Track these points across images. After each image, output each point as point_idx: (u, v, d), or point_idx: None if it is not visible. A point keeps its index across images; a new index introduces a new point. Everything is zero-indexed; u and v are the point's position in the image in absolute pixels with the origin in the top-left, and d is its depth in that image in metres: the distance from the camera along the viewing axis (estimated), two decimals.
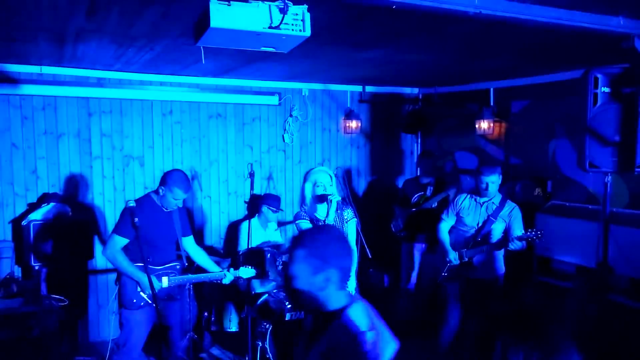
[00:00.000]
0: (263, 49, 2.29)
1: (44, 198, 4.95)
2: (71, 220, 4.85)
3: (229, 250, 5.81)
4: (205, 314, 5.07)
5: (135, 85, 5.35)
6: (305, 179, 3.81)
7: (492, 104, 5.69)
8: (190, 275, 3.98)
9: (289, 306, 4.57)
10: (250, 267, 4.07)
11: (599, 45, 3.42)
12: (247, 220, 5.04)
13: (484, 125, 5.61)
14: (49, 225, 4.64)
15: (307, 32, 2.14)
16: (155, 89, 5.44)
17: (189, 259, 4.04)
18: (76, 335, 4.86)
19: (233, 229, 5.87)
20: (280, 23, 2.06)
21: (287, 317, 4.60)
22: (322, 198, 3.69)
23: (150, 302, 3.69)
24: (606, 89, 3.52)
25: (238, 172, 5.93)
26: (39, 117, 5.04)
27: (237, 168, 5.93)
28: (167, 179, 3.72)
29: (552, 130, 5.08)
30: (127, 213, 3.52)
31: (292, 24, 2.09)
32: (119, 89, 5.30)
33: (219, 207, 5.91)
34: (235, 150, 5.92)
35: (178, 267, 3.94)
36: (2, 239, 4.88)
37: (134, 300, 3.72)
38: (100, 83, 5.22)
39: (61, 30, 3.37)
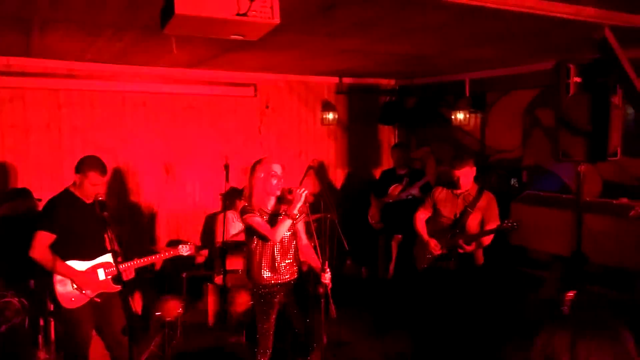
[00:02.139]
0: (232, 37, 2.24)
1: (13, 193, 4.81)
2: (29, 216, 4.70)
3: (205, 242, 5.75)
4: (179, 309, 4.99)
5: (107, 77, 5.23)
6: (254, 170, 3.56)
7: (467, 94, 5.70)
8: (126, 263, 3.66)
9: None
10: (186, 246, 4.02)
11: (573, 36, 3.44)
12: (223, 213, 5.01)
13: (459, 116, 5.63)
14: (14, 220, 4.49)
15: (276, 19, 2.09)
16: (128, 81, 5.33)
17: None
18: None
19: (210, 221, 5.81)
20: (248, 10, 2.01)
21: None
22: (278, 190, 3.53)
23: (91, 297, 3.51)
24: (578, 79, 3.54)
25: (213, 164, 5.85)
26: (6, 110, 4.90)
27: (212, 160, 5.85)
28: (80, 166, 3.52)
29: (527, 121, 5.11)
30: (50, 207, 3.37)
31: (261, 11, 2.03)
32: (90, 81, 5.17)
33: (195, 200, 5.83)
34: (210, 142, 5.84)
35: (111, 258, 3.58)
36: None
37: (73, 299, 3.50)
38: (70, 75, 5.09)
39: (27, 18, 3.26)
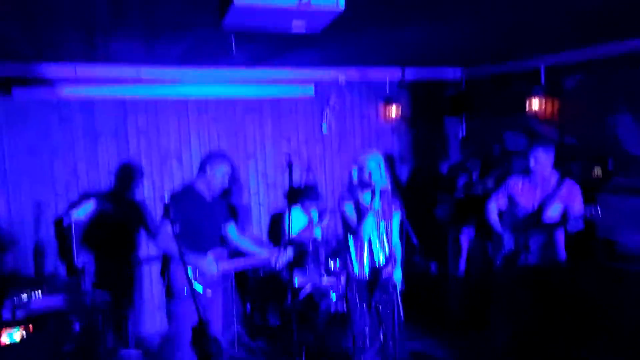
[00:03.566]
0: (294, 30, 2.10)
1: (85, 196, 4.95)
2: (112, 217, 4.86)
3: (272, 243, 5.72)
4: (248, 306, 4.99)
5: (169, 83, 5.28)
6: (354, 163, 3.66)
7: (542, 80, 5.32)
8: (239, 258, 3.89)
9: (334, 298, 4.43)
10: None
11: None
12: (288, 212, 4.94)
13: (534, 104, 5.26)
14: (91, 223, 4.67)
15: (342, 5, 1.93)
16: (190, 87, 5.36)
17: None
18: (123, 329, 4.85)
19: (276, 221, 5.77)
20: None
21: (332, 309, 4.47)
22: (366, 184, 3.50)
23: (201, 291, 3.62)
24: None
25: (276, 164, 5.80)
26: (76, 118, 5.03)
27: (275, 160, 5.80)
28: (209, 158, 3.78)
29: (611, 106, 4.69)
30: (173, 199, 3.41)
31: None
32: (153, 87, 5.24)
33: (258, 199, 5.80)
34: (272, 143, 5.79)
35: (225, 253, 3.84)
36: (45, 239, 4.90)
37: (185, 290, 3.60)
38: (135, 82, 5.17)
39: (89, 24, 3.29)
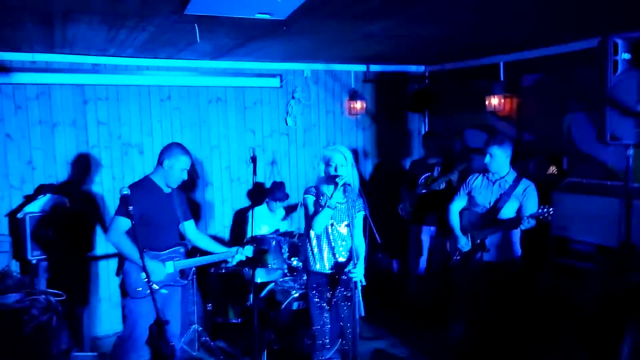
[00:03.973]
0: (258, 15, 2.09)
1: (41, 189, 4.80)
2: (69, 211, 4.71)
3: (235, 239, 5.66)
4: (209, 305, 4.92)
5: (132, 70, 5.18)
6: (321, 157, 3.64)
7: (502, 78, 5.45)
8: (196, 258, 3.82)
9: (296, 295, 4.42)
10: (251, 245, 3.88)
11: (621, 7, 3.19)
12: (251, 208, 4.92)
13: (494, 101, 5.38)
14: (46, 217, 4.49)
15: None
16: (152, 74, 5.26)
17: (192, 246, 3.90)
18: (77, 330, 4.73)
19: (239, 217, 5.72)
20: None
21: (294, 306, 4.46)
22: (331, 178, 3.49)
23: (157, 288, 3.53)
24: (627, 56, 3.31)
25: (240, 158, 5.76)
26: (32, 106, 4.87)
27: (239, 153, 5.75)
28: (169, 150, 3.65)
29: (567, 104, 4.84)
30: (129, 193, 3.34)
31: None
32: (114, 75, 5.14)
33: (222, 194, 5.74)
34: (236, 135, 5.74)
35: (182, 250, 3.75)
36: None
37: (139, 289, 3.53)
38: (95, 69, 5.06)
39: (47, 10, 3.18)
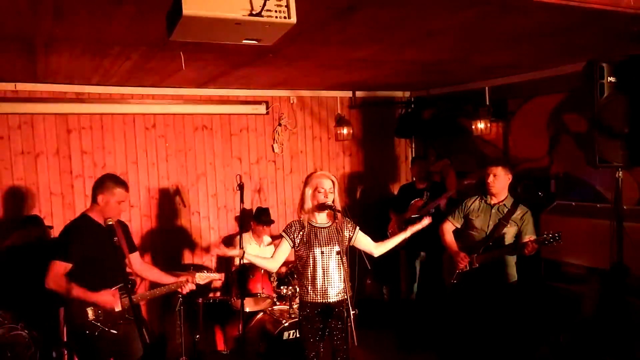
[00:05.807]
0: (245, 41, 2.06)
1: (24, 221, 4.66)
2: (51, 242, 4.56)
3: (221, 268, 5.55)
4: (197, 336, 4.77)
5: (116, 99, 5.13)
6: (305, 183, 3.52)
7: (487, 103, 5.49)
8: (144, 292, 3.66)
9: (286, 325, 4.32)
10: (207, 271, 3.77)
11: (608, 30, 3.22)
12: (239, 236, 4.83)
13: (480, 125, 5.41)
14: (24, 249, 4.34)
15: (293, 19, 1.91)
16: (137, 102, 5.22)
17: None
18: None
19: (226, 244, 5.60)
20: (262, 9, 1.83)
21: (284, 336, 4.36)
22: (323, 206, 3.43)
23: (105, 328, 3.31)
24: (612, 79, 3.33)
25: (227, 185, 5.69)
26: (15, 137, 4.78)
27: (226, 181, 5.68)
28: (102, 184, 3.42)
29: (553, 127, 4.87)
30: (67, 235, 3.20)
31: (276, 10, 1.85)
32: (98, 104, 5.08)
33: (209, 222, 5.65)
34: (223, 163, 5.68)
35: (129, 286, 3.53)
36: None
37: (89, 331, 3.31)
38: (79, 98, 4.99)
39: (30, 38, 3.14)
